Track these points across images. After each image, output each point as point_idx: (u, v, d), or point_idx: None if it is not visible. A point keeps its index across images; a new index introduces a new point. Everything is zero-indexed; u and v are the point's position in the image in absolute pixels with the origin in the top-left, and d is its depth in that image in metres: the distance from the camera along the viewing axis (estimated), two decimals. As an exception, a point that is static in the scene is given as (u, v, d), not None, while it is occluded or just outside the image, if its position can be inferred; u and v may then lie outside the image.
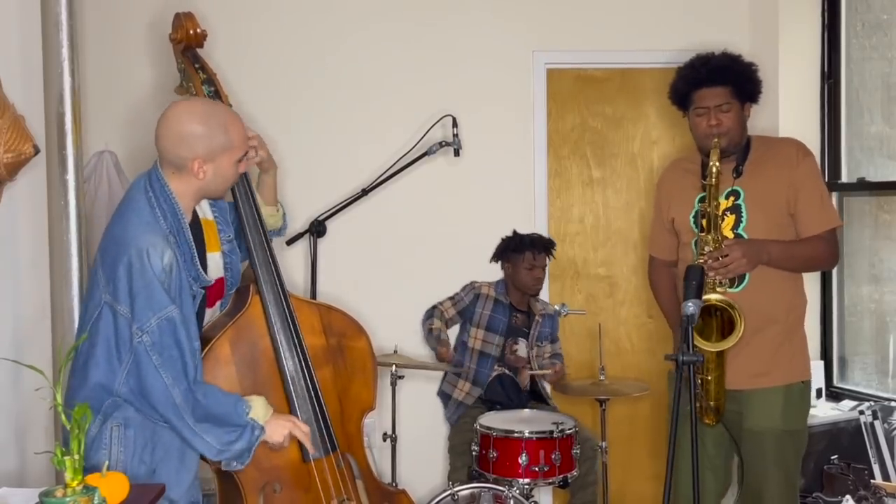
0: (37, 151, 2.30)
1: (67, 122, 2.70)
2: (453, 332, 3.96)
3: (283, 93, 3.95)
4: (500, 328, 3.81)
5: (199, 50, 2.70)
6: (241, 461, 2.30)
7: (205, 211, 2.49)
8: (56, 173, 2.71)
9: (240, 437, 2.25)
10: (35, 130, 2.39)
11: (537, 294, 3.89)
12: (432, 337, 3.80)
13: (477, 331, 3.82)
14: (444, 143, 3.69)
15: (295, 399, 2.49)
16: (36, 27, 2.69)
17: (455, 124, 3.70)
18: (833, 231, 2.87)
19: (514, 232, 3.91)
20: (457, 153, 3.72)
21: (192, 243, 2.33)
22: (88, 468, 2.12)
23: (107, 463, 1.89)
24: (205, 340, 2.43)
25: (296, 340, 2.52)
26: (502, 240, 3.92)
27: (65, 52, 2.69)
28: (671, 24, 4.08)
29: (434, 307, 3.89)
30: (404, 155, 3.75)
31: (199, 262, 2.35)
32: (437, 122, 3.79)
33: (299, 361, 2.51)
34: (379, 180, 3.73)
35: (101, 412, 2.20)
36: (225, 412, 2.26)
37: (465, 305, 3.87)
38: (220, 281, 2.49)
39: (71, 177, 2.71)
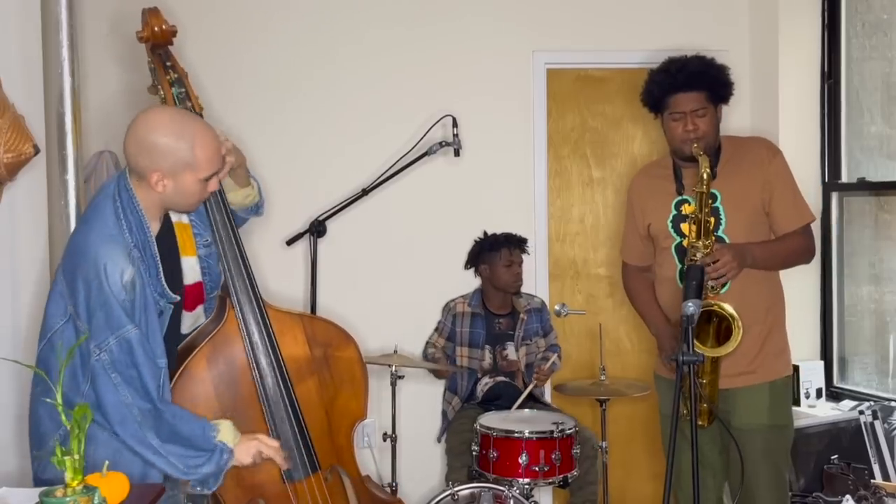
0: (37, 151, 2.30)
1: (67, 122, 2.70)
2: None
3: (283, 93, 3.95)
4: (480, 341, 3.80)
5: (171, 47, 2.53)
6: (209, 486, 2.20)
7: (179, 215, 2.38)
8: (56, 173, 2.71)
9: (208, 460, 2.17)
10: (35, 130, 2.39)
11: (518, 291, 3.88)
12: (429, 363, 3.78)
13: (461, 349, 3.82)
14: (444, 143, 3.69)
15: (273, 418, 2.41)
16: (36, 27, 2.69)
17: (455, 124, 3.71)
18: (808, 226, 2.91)
19: (485, 232, 3.91)
20: (457, 153, 3.72)
21: (158, 258, 2.23)
22: (44, 480, 2.09)
23: (107, 463, 1.88)
24: (190, 348, 2.38)
25: (273, 357, 2.42)
26: (475, 242, 3.92)
27: (65, 52, 2.69)
28: (671, 24, 4.08)
29: (426, 343, 3.90)
30: (404, 155, 3.75)
31: (164, 279, 2.24)
32: (437, 122, 3.79)
33: (277, 379, 2.42)
34: (379, 180, 3.73)
35: (61, 426, 2.11)
36: (192, 434, 2.17)
37: (448, 330, 3.86)
38: (198, 285, 2.41)
39: (71, 177, 2.71)
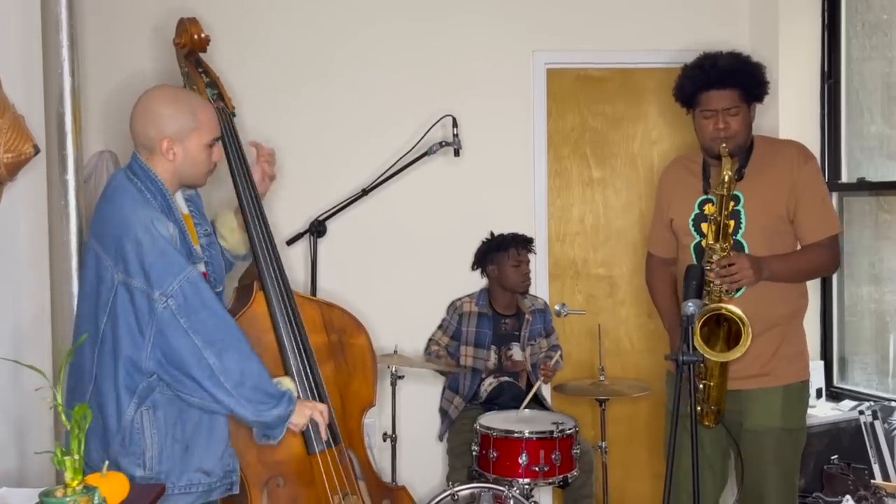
0: (37, 151, 2.30)
1: (67, 122, 2.70)
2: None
3: (283, 94, 3.95)
4: (486, 341, 3.80)
5: (201, 54, 2.74)
6: (276, 434, 2.33)
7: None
8: (56, 173, 2.70)
9: (277, 404, 2.30)
10: (35, 130, 2.39)
11: (526, 291, 3.88)
12: (429, 364, 3.78)
13: (467, 348, 3.82)
14: (444, 143, 3.69)
15: (299, 394, 2.50)
16: (36, 27, 2.69)
17: (455, 124, 3.71)
18: (834, 238, 2.84)
19: (492, 233, 3.91)
20: (457, 153, 3.72)
21: (183, 221, 2.39)
22: (130, 453, 2.19)
23: (107, 463, 1.89)
24: None
25: (300, 336, 2.55)
26: (482, 243, 3.92)
27: (65, 52, 2.69)
28: (671, 23, 4.08)
29: (429, 340, 3.90)
30: (404, 155, 3.75)
31: (190, 239, 2.40)
32: (437, 122, 3.79)
33: (303, 357, 2.54)
34: (379, 180, 3.73)
35: (136, 395, 2.22)
36: (262, 378, 2.29)
37: (454, 329, 3.86)
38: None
39: (71, 177, 2.70)
